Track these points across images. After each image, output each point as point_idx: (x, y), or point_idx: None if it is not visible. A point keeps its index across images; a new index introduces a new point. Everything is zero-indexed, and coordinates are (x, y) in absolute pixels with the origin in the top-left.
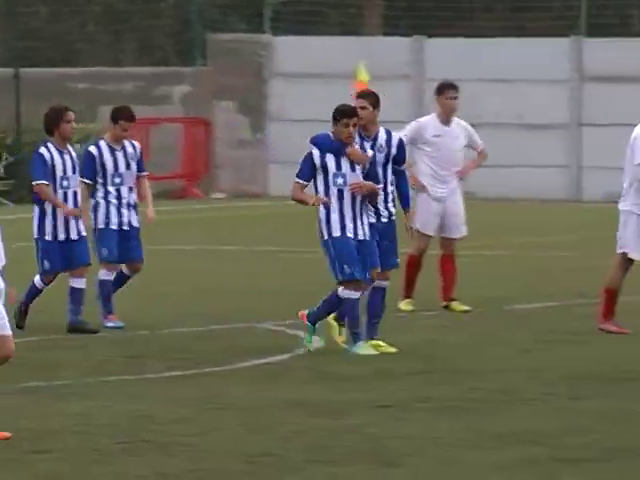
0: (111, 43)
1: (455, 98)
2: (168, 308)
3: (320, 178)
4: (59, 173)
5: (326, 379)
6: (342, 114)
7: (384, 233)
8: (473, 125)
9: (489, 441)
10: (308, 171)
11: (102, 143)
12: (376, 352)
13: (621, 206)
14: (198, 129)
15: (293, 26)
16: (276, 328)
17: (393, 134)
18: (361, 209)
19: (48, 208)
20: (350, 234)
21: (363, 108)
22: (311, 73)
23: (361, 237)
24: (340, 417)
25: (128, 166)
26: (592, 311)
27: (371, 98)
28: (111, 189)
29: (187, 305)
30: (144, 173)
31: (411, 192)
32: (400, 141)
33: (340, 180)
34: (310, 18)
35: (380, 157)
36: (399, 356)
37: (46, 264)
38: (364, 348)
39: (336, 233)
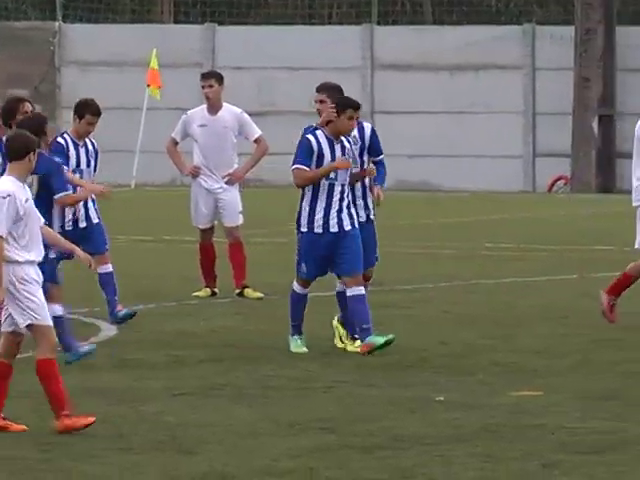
0: None
1: (211, 86)
2: None
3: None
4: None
5: (124, 367)
6: (347, 105)
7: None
8: (265, 113)
9: (284, 428)
10: (308, 157)
11: (67, 137)
12: (304, 350)
13: (635, 202)
14: None
15: (85, 14)
16: (71, 317)
17: (365, 125)
18: (349, 200)
19: None
20: (333, 229)
21: (322, 102)
22: (104, 61)
23: (347, 228)
24: (138, 405)
25: (88, 163)
26: (389, 299)
27: (330, 91)
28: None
29: None
30: (95, 172)
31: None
32: (372, 131)
33: (332, 174)
34: (102, 6)
35: (354, 149)
36: (195, 344)
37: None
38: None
39: (318, 230)
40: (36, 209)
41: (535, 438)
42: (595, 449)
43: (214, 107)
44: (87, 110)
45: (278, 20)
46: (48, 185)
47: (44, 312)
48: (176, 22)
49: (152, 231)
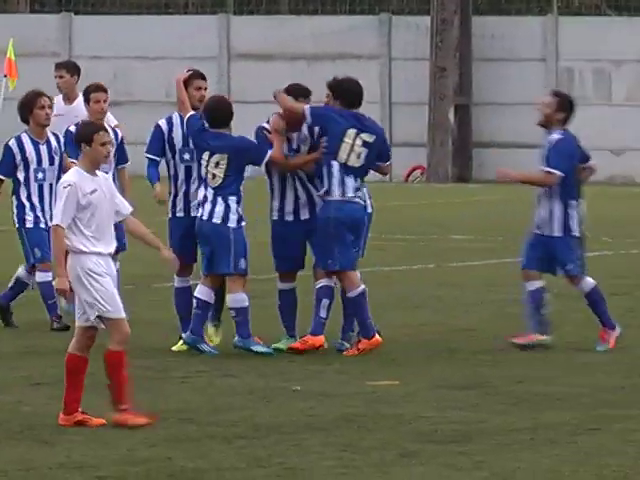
0: None
1: (61, 77)
2: None
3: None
4: (32, 165)
5: None
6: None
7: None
8: (121, 102)
9: None
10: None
11: None
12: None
13: None
14: None
15: None
16: None
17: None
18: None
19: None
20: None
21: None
22: None
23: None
24: None
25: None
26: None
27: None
28: None
29: None
30: (125, 164)
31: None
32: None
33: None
34: None
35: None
36: (50, 333)
37: (37, 252)
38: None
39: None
40: (122, 201)
41: (393, 427)
42: (453, 439)
43: (69, 97)
44: (89, 90)
45: (134, 9)
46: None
47: (114, 303)
48: (32, 11)
49: (8, 220)
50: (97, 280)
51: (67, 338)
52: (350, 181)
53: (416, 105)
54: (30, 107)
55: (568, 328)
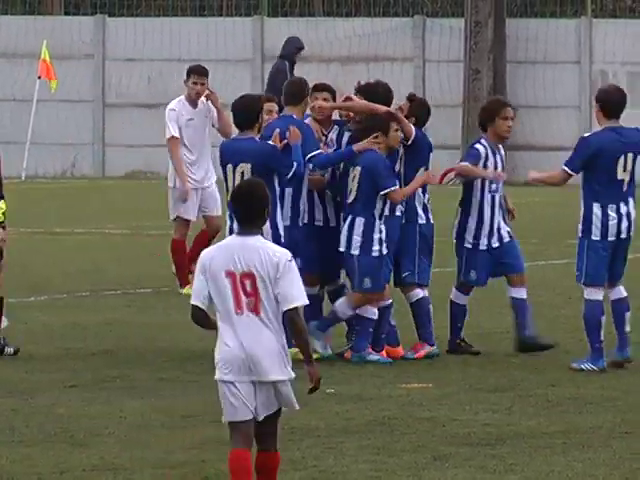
0: None
1: (202, 84)
2: None
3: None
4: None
5: (15, 359)
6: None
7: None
8: (156, 105)
9: (177, 421)
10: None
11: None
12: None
13: None
14: None
15: None
16: None
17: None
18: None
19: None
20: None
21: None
22: None
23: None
24: (30, 397)
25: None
26: None
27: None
28: None
29: None
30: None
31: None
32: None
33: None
34: None
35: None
36: (87, 336)
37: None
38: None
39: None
40: None
41: (426, 430)
42: (486, 441)
43: (196, 101)
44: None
45: (168, 12)
46: None
47: None
48: (66, 14)
49: (43, 223)
50: None
51: (103, 341)
52: None
53: (450, 107)
54: (493, 115)
55: None
